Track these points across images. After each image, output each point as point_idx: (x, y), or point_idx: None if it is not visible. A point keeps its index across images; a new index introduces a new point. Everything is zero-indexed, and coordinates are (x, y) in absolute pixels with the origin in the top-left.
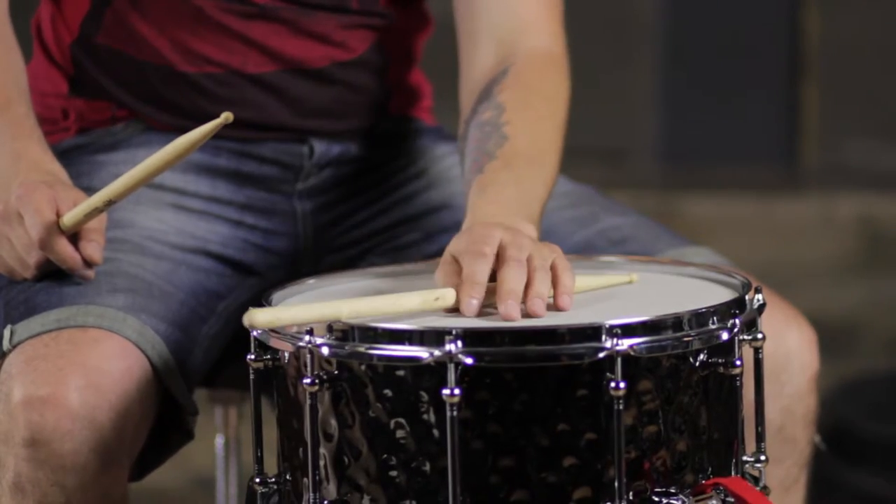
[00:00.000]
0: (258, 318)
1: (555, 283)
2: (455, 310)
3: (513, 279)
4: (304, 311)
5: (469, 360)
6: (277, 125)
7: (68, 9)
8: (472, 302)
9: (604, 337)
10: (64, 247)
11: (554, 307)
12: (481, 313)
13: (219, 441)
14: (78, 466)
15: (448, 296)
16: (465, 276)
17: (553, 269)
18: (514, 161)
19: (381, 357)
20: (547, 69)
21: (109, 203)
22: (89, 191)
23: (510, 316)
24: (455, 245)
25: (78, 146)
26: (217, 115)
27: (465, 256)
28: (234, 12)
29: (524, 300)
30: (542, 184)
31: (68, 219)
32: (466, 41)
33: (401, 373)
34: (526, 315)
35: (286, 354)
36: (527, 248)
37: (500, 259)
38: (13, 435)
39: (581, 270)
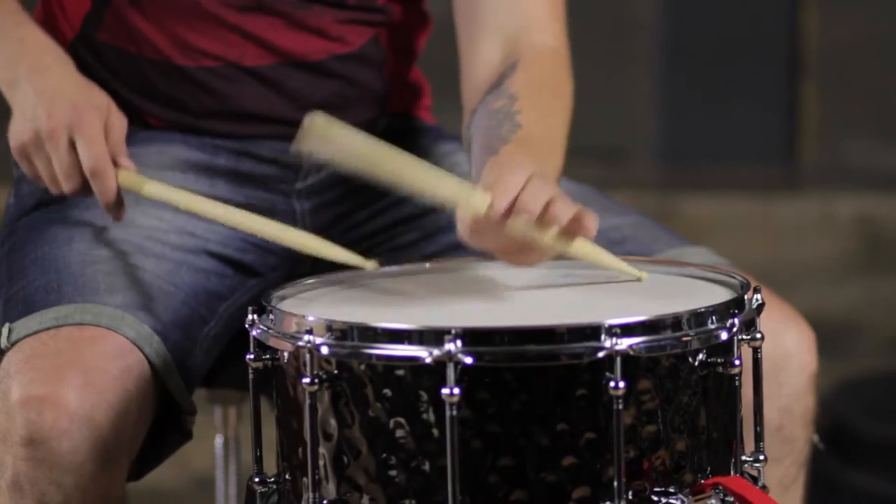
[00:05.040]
0: (317, 121)
1: (581, 214)
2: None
3: (534, 195)
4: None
5: (468, 360)
6: (276, 118)
7: (70, 6)
8: (504, 203)
9: (603, 336)
10: (112, 181)
11: (581, 232)
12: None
13: (218, 441)
14: (76, 465)
15: (483, 198)
16: (497, 183)
17: (577, 213)
18: (528, 147)
19: (380, 357)
20: (555, 66)
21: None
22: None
23: (499, 208)
24: (485, 177)
25: None
26: (217, 109)
27: (502, 169)
28: (230, 6)
29: (571, 227)
30: (551, 174)
31: (148, 188)
32: (468, 38)
33: (400, 372)
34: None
35: (285, 354)
36: (551, 191)
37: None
38: (11, 434)
39: (588, 270)
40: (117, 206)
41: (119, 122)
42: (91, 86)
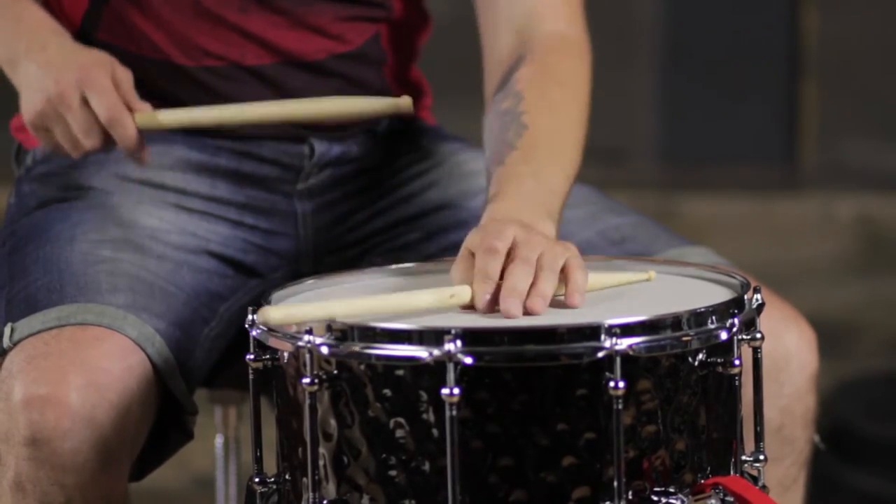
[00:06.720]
0: (272, 316)
1: (567, 281)
2: (471, 306)
3: (517, 277)
4: (316, 308)
5: (468, 360)
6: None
7: (68, 4)
8: (486, 297)
9: (603, 336)
10: (130, 125)
11: (565, 305)
12: (494, 311)
13: (218, 441)
14: (78, 465)
15: (464, 293)
16: (477, 272)
17: (565, 267)
18: (534, 152)
19: (380, 357)
20: (564, 55)
21: (218, 127)
22: (90, 190)
23: (510, 313)
24: (471, 240)
25: None
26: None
27: (477, 252)
28: (231, 4)
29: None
30: (562, 175)
31: (163, 117)
32: (487, 30)
33: (400, 372)
34: (527, 313)
35: (285, 354)
36: (538, 248)
37: (509, 257)
38: (13, 434)
39: (598, 269)
40: (139, 149)
41: (125, 75)
42: (91, 49)
